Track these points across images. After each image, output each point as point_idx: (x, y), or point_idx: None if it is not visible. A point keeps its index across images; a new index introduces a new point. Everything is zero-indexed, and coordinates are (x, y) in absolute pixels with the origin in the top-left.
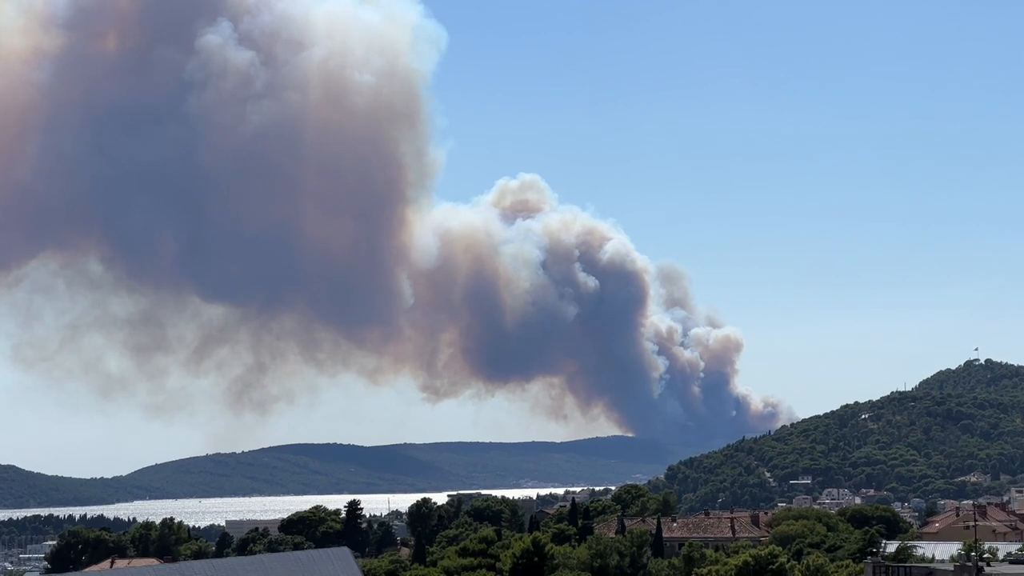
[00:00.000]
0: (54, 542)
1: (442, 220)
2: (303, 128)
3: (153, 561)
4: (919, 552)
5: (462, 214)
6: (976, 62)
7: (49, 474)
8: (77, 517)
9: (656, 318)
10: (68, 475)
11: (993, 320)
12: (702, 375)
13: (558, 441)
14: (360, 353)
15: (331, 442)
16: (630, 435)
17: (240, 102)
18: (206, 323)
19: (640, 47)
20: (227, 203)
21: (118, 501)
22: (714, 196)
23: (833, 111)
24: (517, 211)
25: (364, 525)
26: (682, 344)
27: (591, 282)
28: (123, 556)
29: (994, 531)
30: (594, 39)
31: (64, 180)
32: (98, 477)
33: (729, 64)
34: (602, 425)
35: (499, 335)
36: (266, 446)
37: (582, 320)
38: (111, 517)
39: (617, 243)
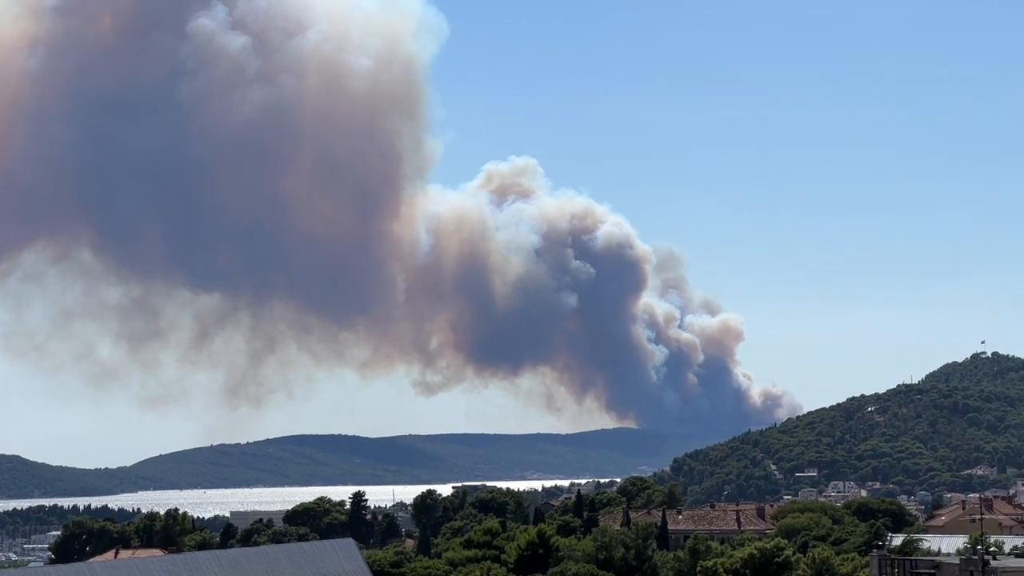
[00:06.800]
0: (58, 532)
1: (434, 205)
2: (298, 114)
3: (157, 552)
4: (925, 545)
5: (451, 198)
6: (979, 58)
7: (53, 464)
8: (81, 507)
9: (651, 301)
10: (72, 465)
11: (1000, 313)
12: (699, 368)
13: (562, 433)
14: (354, 342)
15: (335, 433)
16: (634, 427)
17: (234, 88)
18: (199, 312)
19: (637, 32)
20: (219, 191)
21: (122, 492)
22: (717, 185)
23: (840, 102)
24: (507, 193)
25: (369, 516)
26: (679, 328)
27: (585, 267)
28: (127, 547)
29: (1000, 524)
30: (587, 25)
31: (55, 168)
32: (102, 467)
33: (729, 50)
34: (605, 417)
35: (492, 323)
36: (270, 437)
37: (577, 305)
38: (115, 507)
39: (612, 225)
